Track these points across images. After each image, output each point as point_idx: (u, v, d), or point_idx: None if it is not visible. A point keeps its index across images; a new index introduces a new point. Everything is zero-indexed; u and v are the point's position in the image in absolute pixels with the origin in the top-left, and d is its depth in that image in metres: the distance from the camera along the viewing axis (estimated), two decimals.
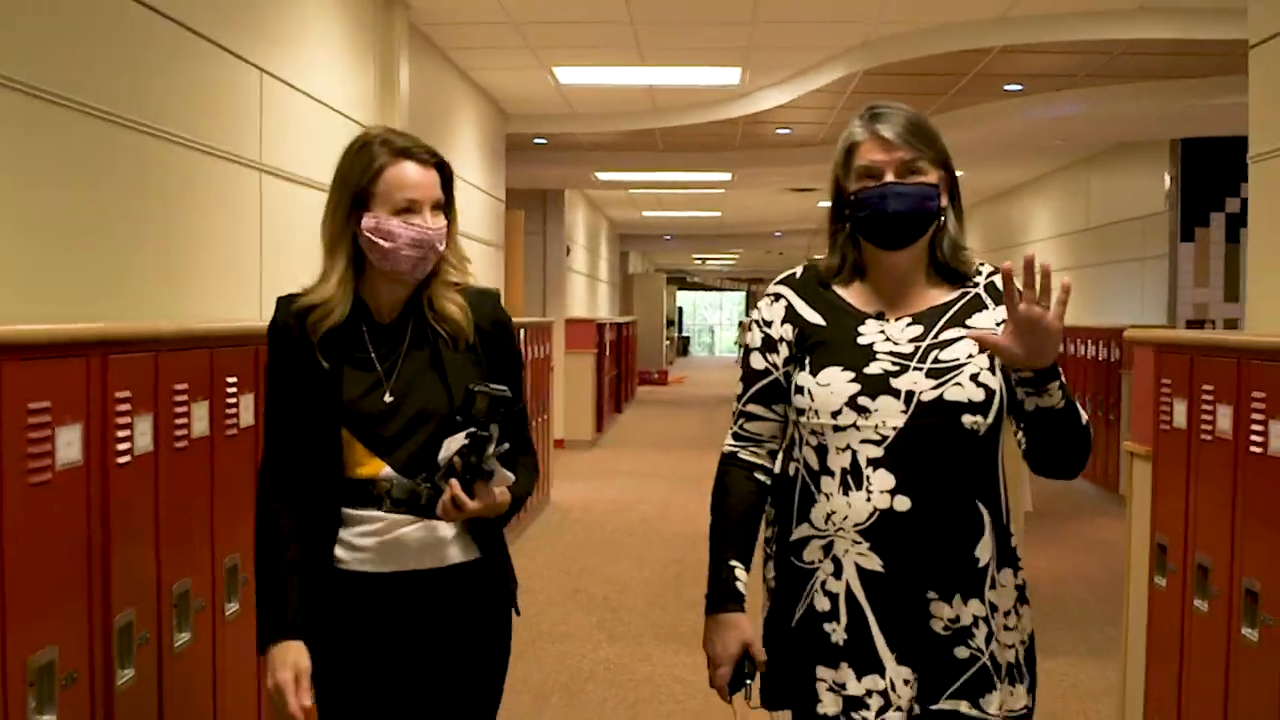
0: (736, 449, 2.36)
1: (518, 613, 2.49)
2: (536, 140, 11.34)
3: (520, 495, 2.37)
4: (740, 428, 2.36)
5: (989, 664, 2.16)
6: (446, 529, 2.35)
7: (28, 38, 3.25)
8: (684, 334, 41.00)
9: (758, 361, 2.33)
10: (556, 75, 8.88)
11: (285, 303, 2.40)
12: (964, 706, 2.16)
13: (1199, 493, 3.58)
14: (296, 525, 2.35)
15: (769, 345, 2.31)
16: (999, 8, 6.93)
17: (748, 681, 2.24)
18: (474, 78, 8.97)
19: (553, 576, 7.29)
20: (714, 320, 50.27)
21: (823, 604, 2.20)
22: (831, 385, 2.20)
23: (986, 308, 2.24)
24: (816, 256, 2.38)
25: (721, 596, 2.27)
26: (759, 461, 2.34)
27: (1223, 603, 3.36)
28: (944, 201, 2.22)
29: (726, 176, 13.37)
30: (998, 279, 2.23)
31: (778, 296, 2.33)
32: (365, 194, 2.31)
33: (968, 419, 2.16)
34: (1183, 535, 3.66)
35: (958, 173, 2.27)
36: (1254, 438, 3.20)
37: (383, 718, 2.37)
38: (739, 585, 2.26)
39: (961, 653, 2.16)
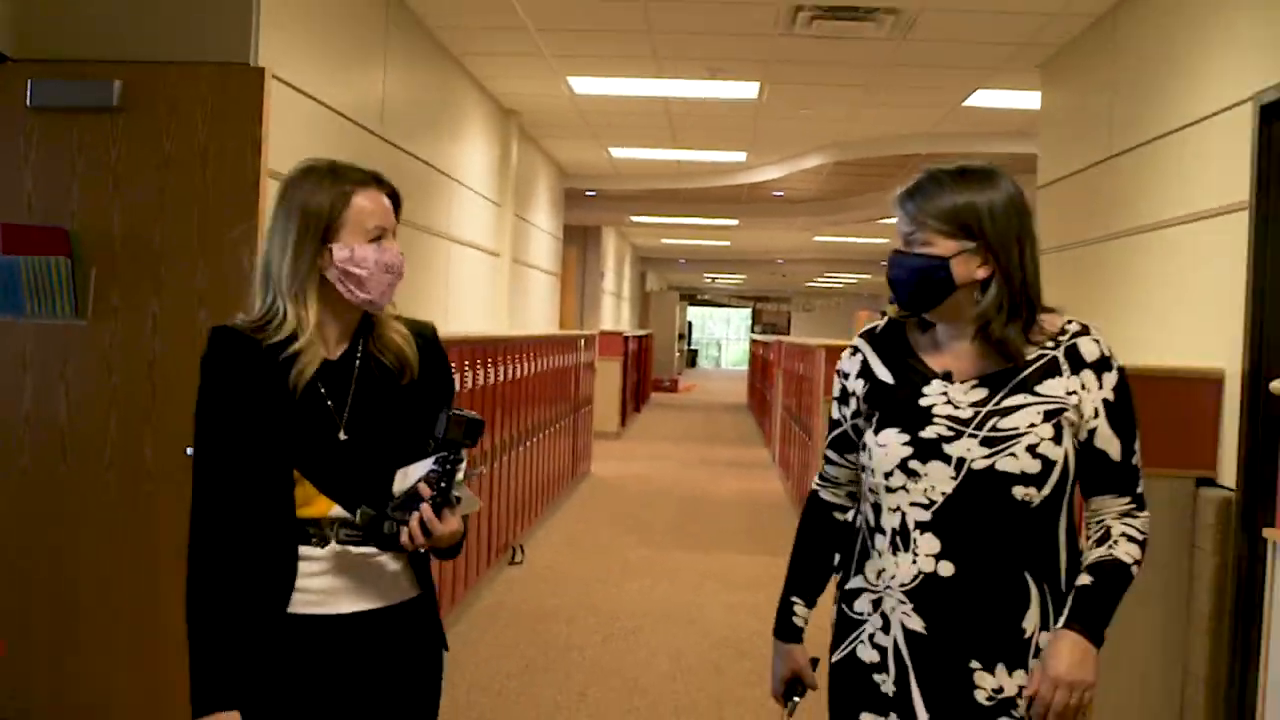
0: (819, 488, 2.41)
1: (446, 648, 2.39)
2: (588, 193, 14.52)
3: (463, 532, 2.25)
4: (823, 469, 2.39)
5: None
6: (391, 565, 2.27)
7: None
8: (693, 347, 43.67)
9: (834, 411, 2.35)
10: (611, 153, 12.02)
11: (232, 337, 2.22)
12: None
13: None
14: (237, 577, 2.17)
15: (843, 397, 2.32)
16: (926, 125, 9.99)
17: (795, 699, 2.43)
18: (553, 155, 12.16)
19: (602, 515, 10.35)
20: (721, 334, 52.50)
21: (871, 656, 2.21)
22: (887, 446, 2.17)
23: (1060, 373, 2.13)
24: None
25: (781, 628, 2.39)
26: (838, 501, 2.38)
27: None
28: (975, 273, 2.11)
29: (734, 222, 16.56)
30: (1082, 341, 2.16)
31: (855, 350, 2.30)
32: (333, 224, 2.20)
33: (1019, 490, 2.09)
34: None
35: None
36: None
37: None
38: (795, 620, 2.38)
39: None
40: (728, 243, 23.18)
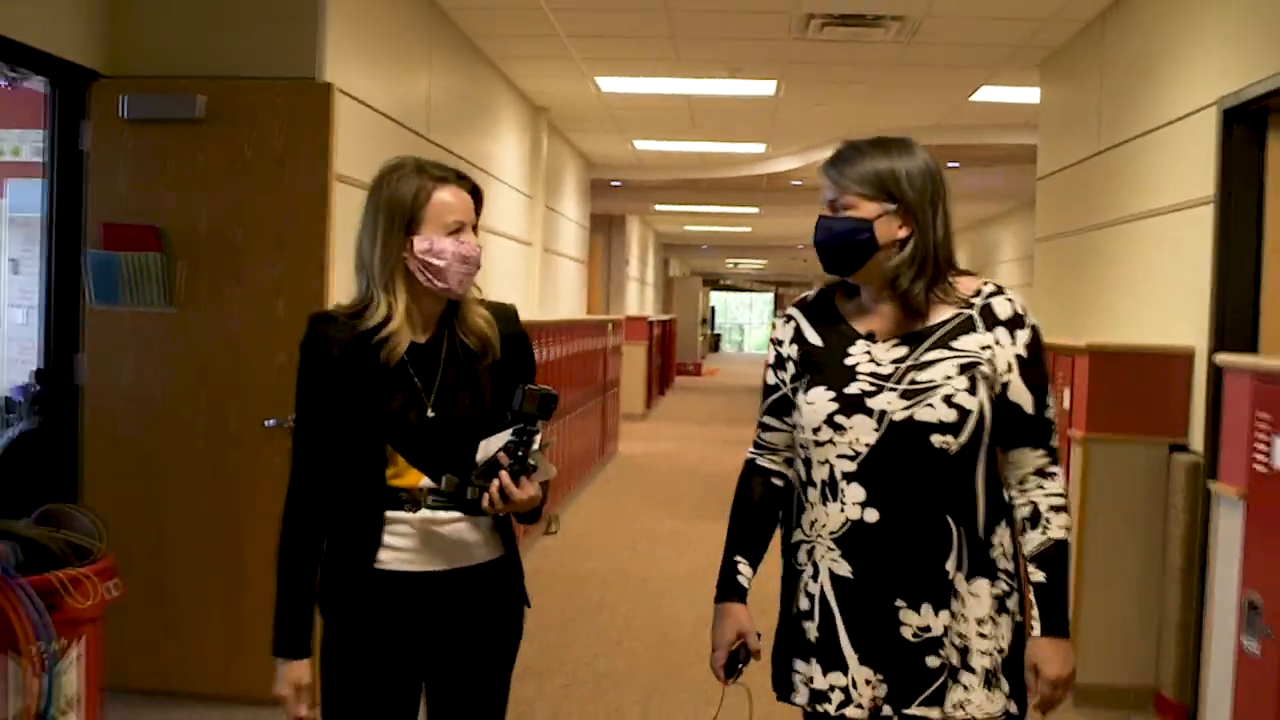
0: (755, 455, 2.46)
1: (528, 605, 2.57)
2: (613, 183, 15.04)
3: (542, 498, 2.40)
4: (759, 436, 2.45)
5: (958, 672, 2.22)
6: (476, 530, 2.42)
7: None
8: (716, 331, 43.98)
9: (771, 377, 2.42)
10: (635, 145, 12.54)
11: (328, 323, 2.39)
12: (935, 714, 2.21)
13: None
14: (323, 540, 2.39)
15: (779, 363, 2.39)
16: (935, 118, 10.47)
17: (740, 667, 2.38)
18: (580, 148, 12.70)
19: (630, 491, 10.90)
20: (744, 319, 52.72)
21: (803, 604, 2.30)
22: (815, 404, 2.25)
23: (975, 330, 2.24)
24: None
25: (725, 588, 2.40)
26: (774, 467, 2.43)
27: None
28: (895, 234, 2.21)
29: (755, 210, 17.06)
30: (996, 301, 2.26)
31: (789, 318, 2.41)
32: (415, 218, 2.34)
33: (937, 439, 2.17)
34: None
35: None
36: None
37: (400, 708, 2.44)
38: (740, 579, 2.40)
39: (932, 662, 2.21)
40: (749, 229, 23.63)
